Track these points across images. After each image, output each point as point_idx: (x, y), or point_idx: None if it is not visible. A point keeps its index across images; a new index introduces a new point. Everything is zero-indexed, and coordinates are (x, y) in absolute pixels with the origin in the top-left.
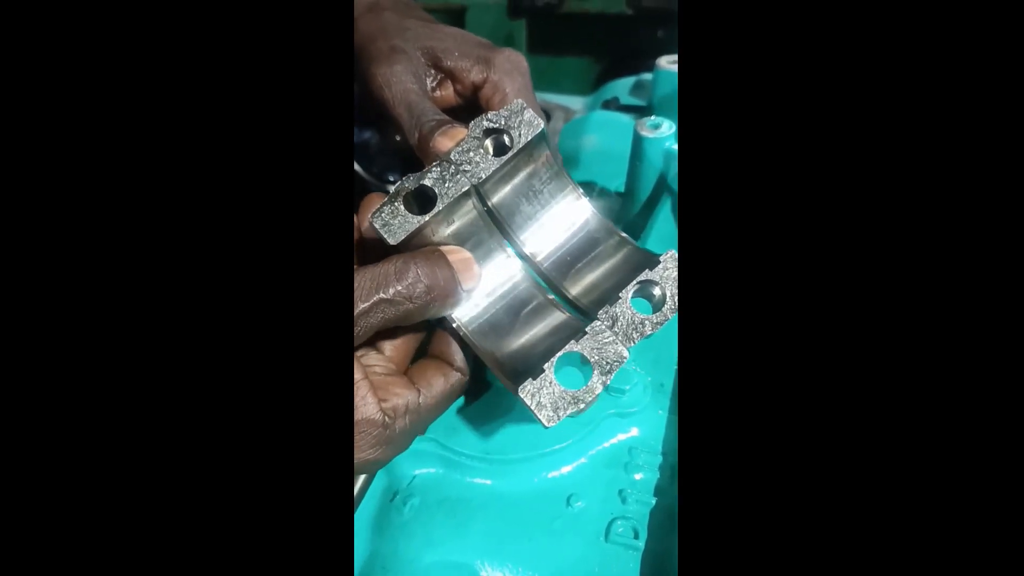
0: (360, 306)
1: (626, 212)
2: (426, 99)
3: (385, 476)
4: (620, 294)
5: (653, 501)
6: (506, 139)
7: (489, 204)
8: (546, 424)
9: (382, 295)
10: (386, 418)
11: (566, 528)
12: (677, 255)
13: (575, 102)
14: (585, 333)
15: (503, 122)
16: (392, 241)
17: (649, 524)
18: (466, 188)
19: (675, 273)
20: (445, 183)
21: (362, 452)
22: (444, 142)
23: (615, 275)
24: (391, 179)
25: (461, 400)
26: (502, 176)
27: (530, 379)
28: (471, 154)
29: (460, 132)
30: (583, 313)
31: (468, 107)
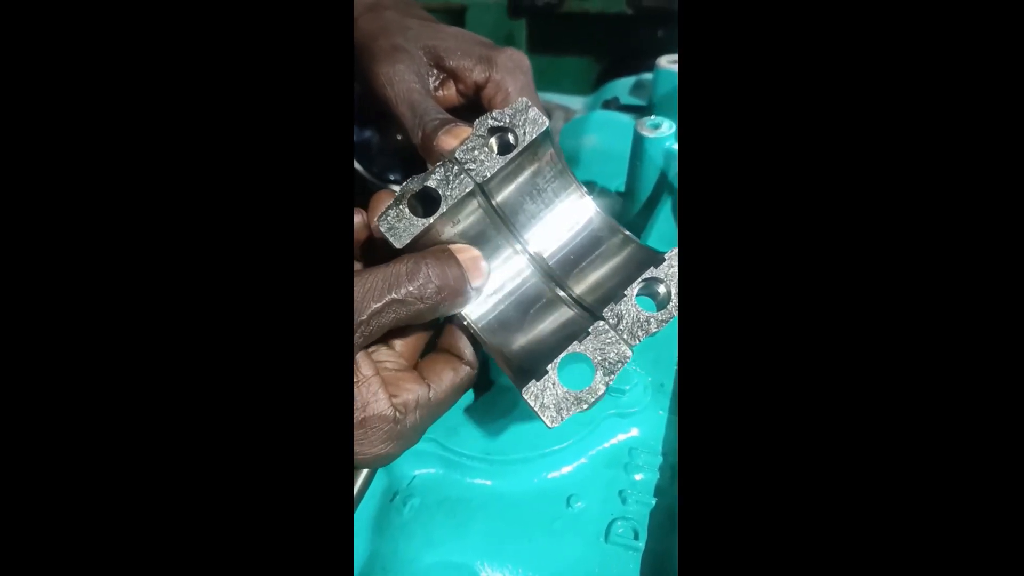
0: (373, 306)
1: (626, 212)
2: (429, 98)
3: (385, 476)
4: (625, 292)
5: (653, 502)
6: (511, 137)
7: (494, 203)
8: (549, 425)
9: (394, 295)
10: (397, 413)
11: (566, 528)
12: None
13: (575, 102)
14: (588, 334)
15: (508, 120)
16: (398, 244)
17: (649, 525)
18: (470, 188)
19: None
20: (449, 184)
21: (374, 447)
22: (448, 141)
23: (620, 273)
24: (391, 178)
25: (462, 400)
26: (506, 175)
27: (534, 380)
28: (476, 152)
29: (463, 131)
30: (588, 311)
31: (470, 106)
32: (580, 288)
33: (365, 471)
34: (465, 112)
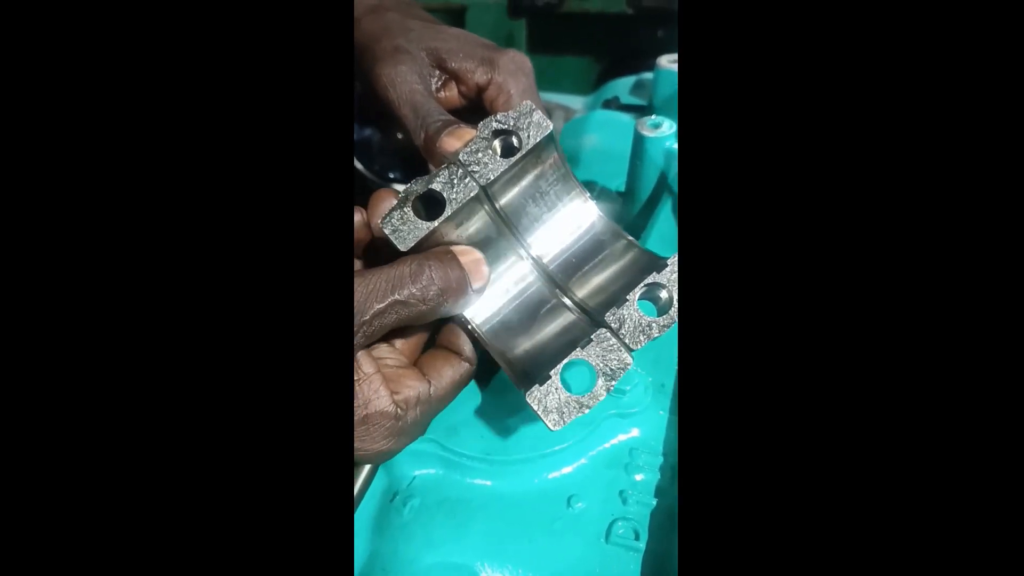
0: (376, 307)
1: (627, 212)
2: (431, 99)
3: (385, 477)
4: (627, 297)
5: (654, 502)
6: (515, 140)
7: (497, 206)
8: (552, 428)
9: (397, 296)
10: (399, 410)
11: (566, 529)
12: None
13: (575, 102)
14: (591, 340)
15: (512, 123)
16: (402, 247)
17: (650, 525)
18: (474, 192)
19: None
20: (453, 187)
21: (376, 443)
22: (451, 142)
23: (622, 278)
24: (392, 176)
25: (462, 400)
26: (509, 178)
27: (537, 385)
28: (479, 155)
29: (466, 132)
30: (590, 315)
31: (472, 108)
32: (583, 292)
33: (365, 471)
34: (467, 114)
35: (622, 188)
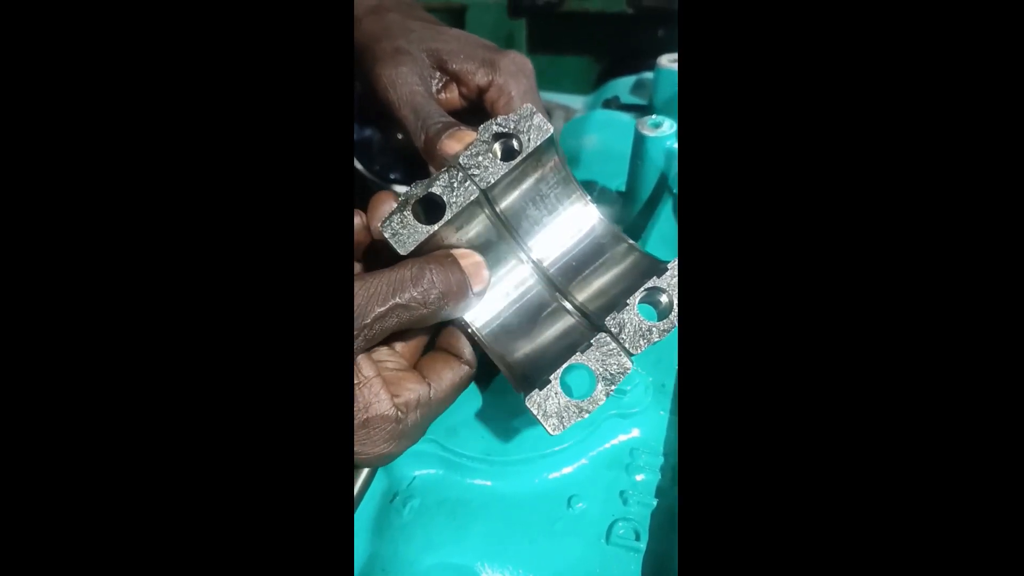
0: (377, 310)
1: (627, 211)
2: (432, 101)
3: (385, 477)
4: (627, 301)
5: (654, 502)
6: (515, 143)
7: (497, 209)
8: (551, 432)
9: (398, 300)
10: (399, 413)
11: (567, 530)
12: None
13: (575, 101)
14: (591, 345)
15: (512, 126)
16: (402, 251)
17: (650, 526)
18: (475, 196)
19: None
20: (453, 191)
21: (376, 447)
22: (451, 145)
23: (622, 281)
24: (392, 177)
25: (462, 400)
26: (510, 181)
27: (537, 389)
28: (480, 158)
29: (467, 135)
30: (590, 319)
31: (473, 110)
32: (583, 296)
33: (365, 472)
34: (467, 115)
35: (622, 188)
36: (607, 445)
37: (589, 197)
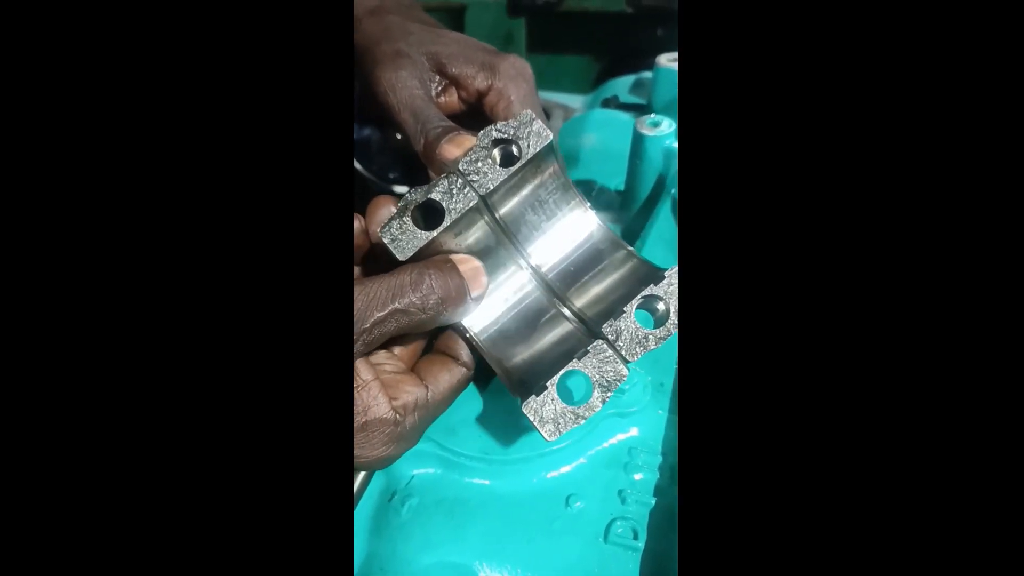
0: (376, 315)
1: (626, 210)
2: (431, 105)
3: (383, 476)
4: (624, 308)
5: (652, 501)
6: (514, 150)
7: (496, 215)
8: (547, 438)
9: (397, 305)
10: (397, 416)
11: (565, 529)
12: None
13: (575, 100)
14: (587, 352)
15: (512, 132)
16: (401, 257)
17: (648, 525)
18: (474, 203)
19: (678, 290)
20: (453, 197)
21: (375, 450)
22: (450, 149)
23: (620, 288)
24: (391, 176)
25: (461, 400)
26: (509, 187)
27: (533, 396)
28: (479, 164)
29: (466, 139)
30: (587, 325)
31: (472, 113)
32: (581, 302)
33: (363, 472)
34: (467, 119)
35: (621, 187)
36: (605, 444)
37: (588, 203)
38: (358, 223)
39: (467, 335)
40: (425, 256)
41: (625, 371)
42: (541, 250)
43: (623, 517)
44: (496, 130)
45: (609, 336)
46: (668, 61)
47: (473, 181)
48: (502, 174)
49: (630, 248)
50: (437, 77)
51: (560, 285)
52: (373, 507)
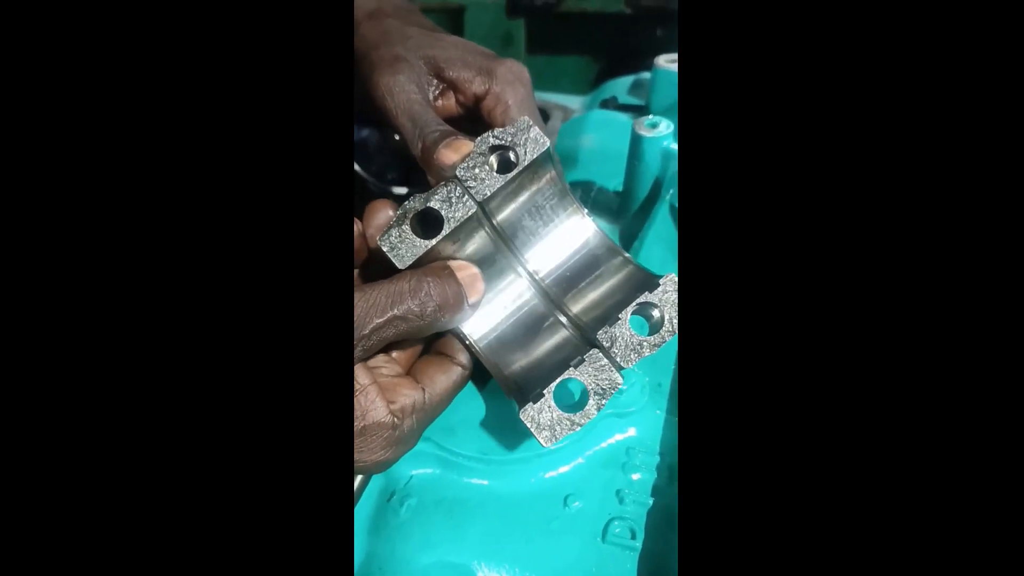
0: (375, 321)
1: (624, 211)
2: (429, 109)
3: (382, 476)
4: (619, 315)
5: (650, 501)
6: (512, 156)
7: (493, 221)
8: (544, 444)
9: (396, 312)
10: (395, 419)
11: (563, 528)
12: (677, 278)
13: (573, 101)
14: (583, 360)
15: (509, 139)
16: (400, 265)
17: (646, 524)
18: (472, 211)
19: (674, 296)
20: (452, 206)
21: (374, 454)
22: (448, 155)
23: (616, 295)
24: (389, 178)
25: (459, 400)
26: (507, 194)
27: (531, 403)
28: (476, 170)
29: (464, 144)
30: (583, 331)
31: (470, 117)
32: (577, 308)
33: (360, 478)
34: (465, 123)
35: (620, 188)
36: (603, 444)
37: (585, 209)
38: (357, 228)
39: (466, 342)
40: (424, 263)
41: (620, 379)
42: (538, 256)
43: (621, 517)
44: (493, 136)
45: (604, 343)
46: (667, 62)
47: (470, 187)
48: (499, 180)
49: (626, 254)
50: (435, 81)
51: (557, 291)
52: (372, 507)
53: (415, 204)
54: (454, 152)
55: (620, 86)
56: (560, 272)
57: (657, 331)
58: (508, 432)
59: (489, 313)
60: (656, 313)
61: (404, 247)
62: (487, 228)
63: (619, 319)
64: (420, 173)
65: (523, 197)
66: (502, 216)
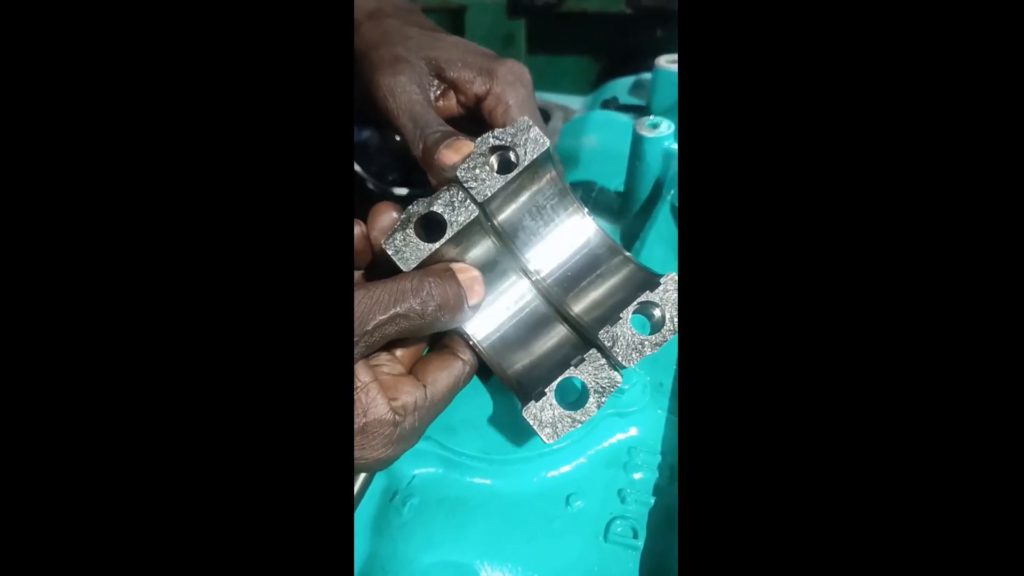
0: (378, 318)
1: (625, 211)
2: (430, 110)
3: (385, 476)
4: (620, 314)
5: (652, 501)
6: (512, 156)
7: (494, 221)
8: (546, 441)
9: (398, 309)
10: (396, 417)
11: (565, 528)
12: (677, 277)
13: (574, 102)
14: (584, 359)
15: (509, 139)
16: (404, 268)
17: (648, 524)
18: (474, 215)
19: (675, 295)
20: (455, 210)
21: (375, 451)
22: (449, 155)
23: (617, 294)
24: (390, 178)
25: (461, 399)
26: (508, 194)
27: (533, 401)
28: (477, 171)
29: (464, 145)
30: (585, 331)
31: (470, 117)
32: (579, 307)
33: (362, 478)
34: (466, 123)
35: (621, 188)
36: (605, 444)
37: (586, 209)
38: (360, 228)
39: (470, 342)
40: (427, 264)
41: (619, 378)
42: (540, 256)
43: (623, 516)
44: (494, 137)
45: (606, 342)
46: (667, 63)
47: (471, 188)
48: (499, 181)
49: (627, 253)
50: (436, 81)
51: (558, 291)
52: (375, 507)
53: (418, 208)
54: (455, 153)
55: (621, 86)
56: (561, 272)
57: (658, 330)
58: (510, 431)
59: (492, 314)
60: (657, 312)
61: (408, 250)
62: (489, 231)
63: (620, 318)
64: (421, 174)
65: (524, 197)
66: (503, 216)
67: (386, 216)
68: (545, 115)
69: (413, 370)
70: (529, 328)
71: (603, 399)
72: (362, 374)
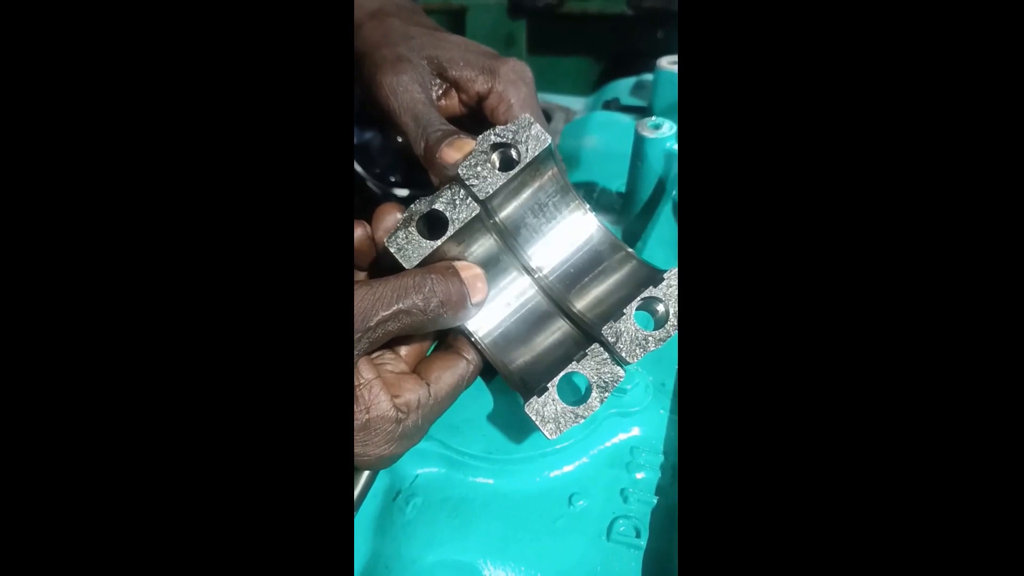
0: (381, 314)
1: (627, 212)
2: (432, 109)
3: (387, 475)
4: (624, 310)
5: (655, 500)
6: (513, 154)
7: (496, 219)
8: (549, 436)
9: (401, 306)
10: (399, 414)
11: (568, 527)
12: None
13: (576, 102)
14: (586, 355)
15: (511, 137)
16: (408, 266)
17: (651, 523)
18: (476, 212)
19: (678, 290)
20: (456, 207)
21: (377, 448)
22: (451, 153)
23: (620, 290)
24: (392, 179)
25: (464, 399)
26: (509, 191)
27: (535, 396)
28: (478, 168)
29: (466, 143)
30: (588, 327)
31: (473, 116)
32: (581, 304)
33: (366, 473)
34: (468, 122)
35: (623, 189)
36: (608, 443)
37: (588, 206)
38: (363, 229)
39: (472, 339)
40: (431, 262)
41: (621, 372)
42: (542, 253)
43: (625, 516)
44: (495, 135)
45: (609, 338)
46: (668, 63)
47: (473, 186)
48: (501, 178)
49: (629, 250)
50: (438, 81)
51: (561, 288)
52: (377, 506)
53: (420, 207)
54: (457, 151)
55: (622, 87)
56: (564, 269)
57: (662, 326)
58: (513, 431)
59: (494, 310)
60: (660, 308)
61: (411, 248)
62: (491, 228)
63: (624, 314)
64: (423, 175)
65: (525, 194)
66: (505, 214)
67: (390, 217)
68: (547, 116)
69: (417, 369)
70: (531, 324)
71: (606, 394)
72: (365, 371)
